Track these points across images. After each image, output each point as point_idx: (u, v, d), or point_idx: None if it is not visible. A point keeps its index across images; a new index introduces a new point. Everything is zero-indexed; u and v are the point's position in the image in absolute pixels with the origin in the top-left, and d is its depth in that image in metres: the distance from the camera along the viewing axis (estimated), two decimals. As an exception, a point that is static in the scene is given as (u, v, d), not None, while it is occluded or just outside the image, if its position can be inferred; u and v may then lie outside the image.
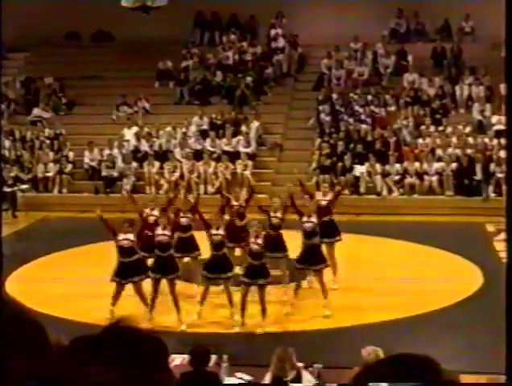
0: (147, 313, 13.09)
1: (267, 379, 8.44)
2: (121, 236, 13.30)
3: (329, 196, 15.11)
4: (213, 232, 13.21)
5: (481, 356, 11.44)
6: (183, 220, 14.29)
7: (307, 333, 12.93)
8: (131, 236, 13.30)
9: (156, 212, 14.63)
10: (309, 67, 27.43)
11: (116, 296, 13.37)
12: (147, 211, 14.81)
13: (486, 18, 23.78)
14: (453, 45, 26.23)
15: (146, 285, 13.50)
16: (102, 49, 28.20)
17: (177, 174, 23.34)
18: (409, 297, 14.48)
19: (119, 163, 24.02)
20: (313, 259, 13.51)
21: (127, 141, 24.64)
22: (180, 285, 14.02)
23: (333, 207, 15.05)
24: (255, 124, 24.44)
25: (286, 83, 26.94)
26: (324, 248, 14.29)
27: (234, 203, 14.94)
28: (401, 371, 1.50)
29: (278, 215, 14.21)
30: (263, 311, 12.86)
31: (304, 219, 13.60)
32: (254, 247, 12.84)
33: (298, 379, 8.41)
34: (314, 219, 13.68)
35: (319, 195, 15.20)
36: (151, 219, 14.27)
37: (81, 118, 26.15)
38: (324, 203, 14.81)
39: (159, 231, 13.29)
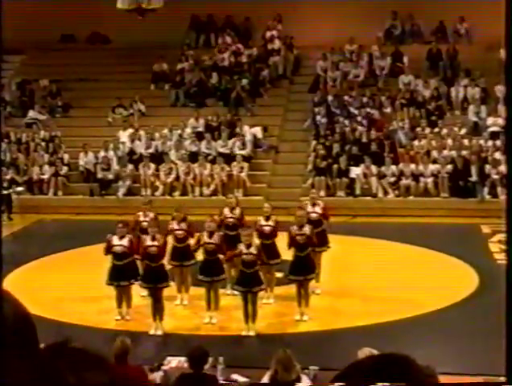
0: (152, 319, 12.92)
1: (265, 381, 8.41)
2: (115, 241, 13.27)
3: (319, 207, 14.90)
4: (207, 240, 13.20)
5: (477, 358, 11.45)
6: (180, 233, 14.06)
7: (302, 335, 12.93)
8: (125, 242, 13.27)
9: (151, 215, 14.60)
10: (305, 69, 27.42)
11: (118, 298, 13.38)
12: (141, 215, 14.76)
13: (481, 19, 23.79)
14: (449, 47, 26.24)
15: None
16: (98, 51, 28.14)
17: (173, 176, 23.33)
18: (404, 299, 14.47)
19: (114, 165, 23.99)
20: (303, 270, 13.33)
21: (123, 143, 24.61)
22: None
23: (326, 218, 14.92)
24: (250, 128, 24.39)
25: (281, 85, 26.93)
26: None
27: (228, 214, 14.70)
28: (379, 372, 1.48)
29: (271, 223, 14.09)
30: (254, 315, 12.85)
31: (296, 231, 13.33)
32: (247, 257, 12.70)
33: (297, 381, 8.36)
34: (306, 230, 13.36)
35: (308, 207, 14.89)
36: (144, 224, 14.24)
37: (77, 120, 26.13)
38: (314, 215, 14.61)
39: (149, 242, 13.03)
